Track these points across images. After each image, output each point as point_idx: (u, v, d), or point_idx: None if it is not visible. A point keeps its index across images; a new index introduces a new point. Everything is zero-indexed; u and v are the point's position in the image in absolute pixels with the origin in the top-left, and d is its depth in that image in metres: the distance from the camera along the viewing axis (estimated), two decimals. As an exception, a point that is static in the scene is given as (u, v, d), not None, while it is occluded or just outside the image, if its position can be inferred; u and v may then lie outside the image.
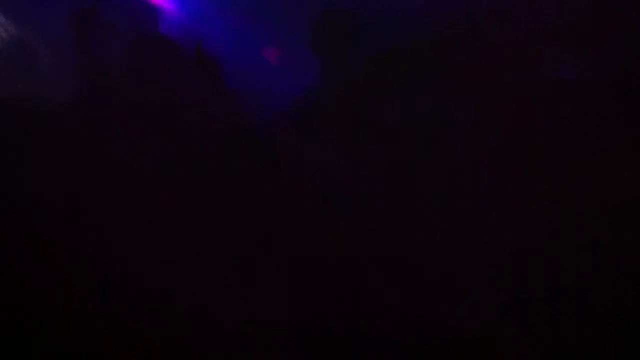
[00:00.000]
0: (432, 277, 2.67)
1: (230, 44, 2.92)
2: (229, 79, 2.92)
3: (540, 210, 2.68)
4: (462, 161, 2.86)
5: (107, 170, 2.76)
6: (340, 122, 2.82)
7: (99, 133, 2.84)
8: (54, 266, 2.70)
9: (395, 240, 2.72)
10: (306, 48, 2.88)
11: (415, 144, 2.85)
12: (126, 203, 2.72)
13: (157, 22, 2.99)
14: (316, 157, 2.79)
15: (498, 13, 2.95)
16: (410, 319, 2.64)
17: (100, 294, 2.65)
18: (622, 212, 2.65)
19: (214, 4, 3.02)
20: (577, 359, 2.57)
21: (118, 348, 2.59)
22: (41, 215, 2.75)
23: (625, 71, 2.78)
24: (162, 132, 2.89)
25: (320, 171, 2.81)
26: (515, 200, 2.74)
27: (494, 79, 2.78)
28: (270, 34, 2.95)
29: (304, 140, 2.79)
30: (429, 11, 2.92)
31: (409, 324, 2.64)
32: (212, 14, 3.01)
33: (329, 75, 2.93)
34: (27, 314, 2.66)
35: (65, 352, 2.63)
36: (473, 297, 2.63)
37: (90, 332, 2.65)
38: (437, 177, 2.83)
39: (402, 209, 2.80)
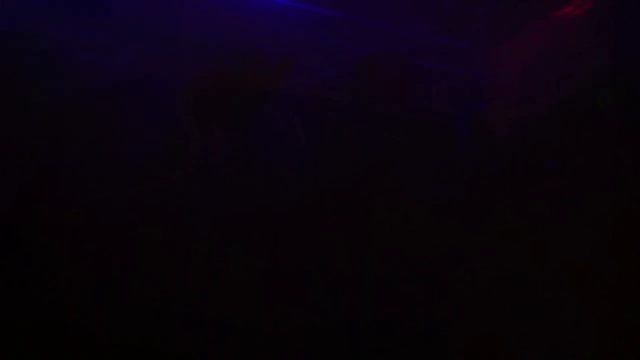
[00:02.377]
0: (432, 278, 2.69)
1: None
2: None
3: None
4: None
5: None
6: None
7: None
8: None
9: (395, 242, 2.74)
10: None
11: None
12: (128, 203, 2.73)
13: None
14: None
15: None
16: (410, 320, 2.66)
17: (108, 294, 2.65)
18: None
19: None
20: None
21: (122, 347, 2.60)
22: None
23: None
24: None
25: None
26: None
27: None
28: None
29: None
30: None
31: (408, 325, 2.65)
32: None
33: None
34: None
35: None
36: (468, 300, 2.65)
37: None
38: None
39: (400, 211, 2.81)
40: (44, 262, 2.63)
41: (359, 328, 2.66)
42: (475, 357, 2.64)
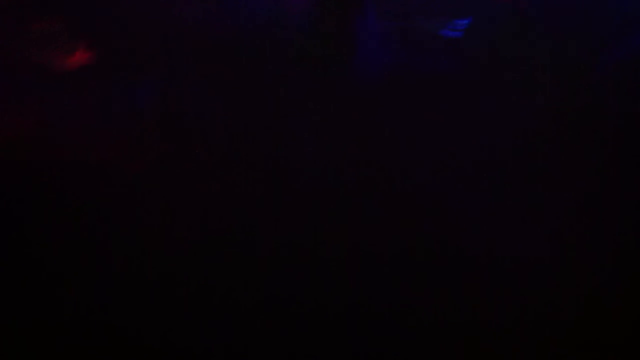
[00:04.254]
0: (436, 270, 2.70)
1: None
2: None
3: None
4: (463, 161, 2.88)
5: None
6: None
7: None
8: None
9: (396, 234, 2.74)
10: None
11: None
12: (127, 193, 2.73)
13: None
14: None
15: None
16: (412, 311, 2.66)
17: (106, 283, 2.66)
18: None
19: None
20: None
21: (122, 347, 2.61)
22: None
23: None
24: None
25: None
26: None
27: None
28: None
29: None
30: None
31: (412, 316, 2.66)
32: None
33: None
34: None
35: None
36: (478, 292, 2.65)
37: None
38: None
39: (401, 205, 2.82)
40: (44, 262, 2.65)
41: (359, 326, 2.66)
42: (475, 356, 2.64)
